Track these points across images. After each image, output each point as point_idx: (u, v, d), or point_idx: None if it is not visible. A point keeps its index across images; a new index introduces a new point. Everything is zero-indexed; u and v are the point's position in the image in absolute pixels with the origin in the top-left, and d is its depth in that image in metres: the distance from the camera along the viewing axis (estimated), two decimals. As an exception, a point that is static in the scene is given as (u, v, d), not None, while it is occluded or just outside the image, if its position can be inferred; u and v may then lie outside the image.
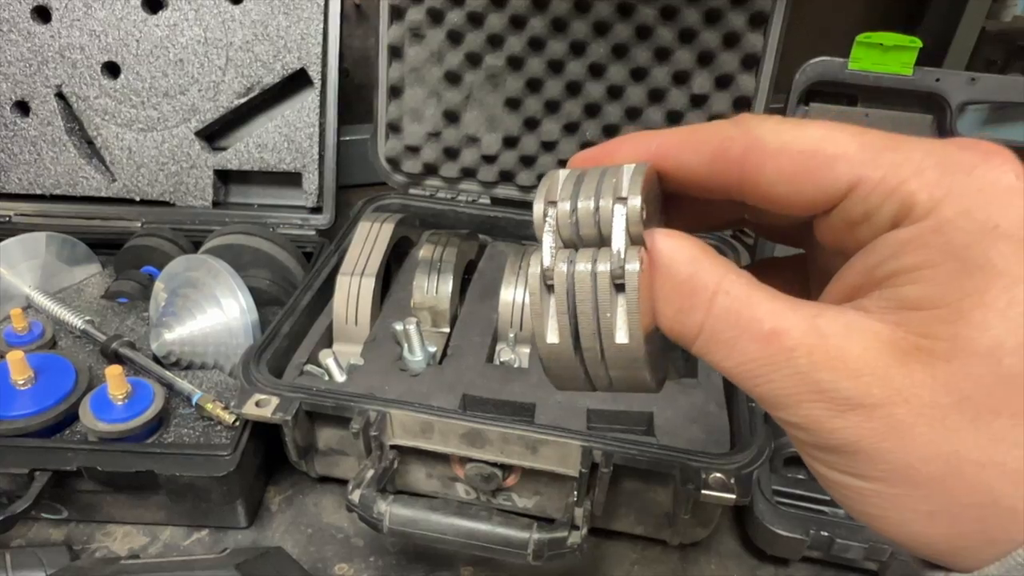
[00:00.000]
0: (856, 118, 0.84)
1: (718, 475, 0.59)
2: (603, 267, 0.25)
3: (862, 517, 0.24)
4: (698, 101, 0.87)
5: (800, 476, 0.73)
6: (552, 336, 0.27)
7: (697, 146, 0.26)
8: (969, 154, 0.22)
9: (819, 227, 0.26)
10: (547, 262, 0.26)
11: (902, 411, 0.22)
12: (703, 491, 0.58)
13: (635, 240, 0.25)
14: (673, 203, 0.30)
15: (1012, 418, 0.21)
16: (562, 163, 0.92)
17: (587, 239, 0.26)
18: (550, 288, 0.26)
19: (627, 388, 0.28)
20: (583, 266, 0.25)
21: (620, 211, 0.25)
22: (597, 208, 0.25)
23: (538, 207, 0.27)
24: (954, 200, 0.22)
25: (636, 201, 0.25)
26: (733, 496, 0.58)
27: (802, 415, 0.23)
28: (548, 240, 0.26)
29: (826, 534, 0.64)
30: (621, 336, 0.25)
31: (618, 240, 0.25)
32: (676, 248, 0.25)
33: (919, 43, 0.78)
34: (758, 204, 0.26)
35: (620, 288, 0.25)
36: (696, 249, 0.25)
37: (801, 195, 0.24)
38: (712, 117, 0.87)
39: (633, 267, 0.24)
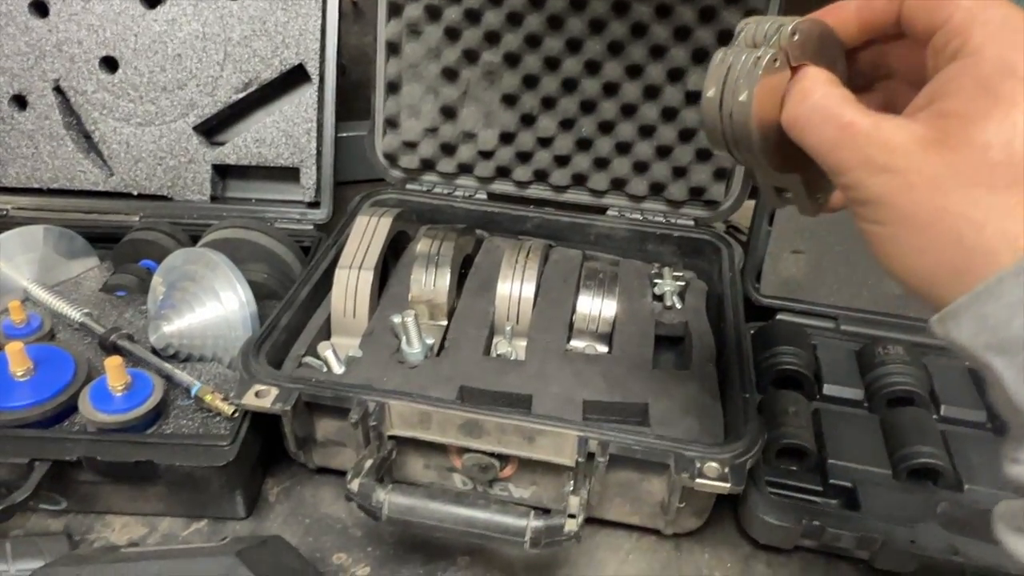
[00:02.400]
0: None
1: (713, 464, 0.60)
2: (753, 53, 0.38)
3: (880, 258, 0.36)
4: (693, 98, 0.87)
5: (793, 467, 0.74)
6: (709, 91, 0.40)
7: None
8: (1021, 16, 0.33)
9: (927, 58, 0.36)
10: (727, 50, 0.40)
11: (914, 177, 0.33)
12: (698, 480, 0.59)
13: (784, 51, 0.38)
14: (850, 60, 0.42)
15: (987, 189, 0.31)
16: (558, 159, 0.93)
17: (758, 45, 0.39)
18: (722, 64, 0.39)
19: (754, 164, 0.41)
20: (742, 51, 0.39)
21: (777, 31, 0.38)
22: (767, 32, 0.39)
23: (737, 28, 0.41)
24: (994, 46, 0.32)
25: (788, 27, 0.38)
26: (728, 485, 0.58)
27: (854, 177, 0.35)
28: (734, 43, 0.40)
29: (818, 523, 0.65)
30: (742, 95, 0.38)
31: (769, 44, 0.38)
32: (811, 72, 0.38)
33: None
34: (904, 29, 0.37)
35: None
36: (823, 76, 0.37)
37: (926, 23, 0.35)
38: (707, 114, 0.88)
39: (766, 54, 0.37)
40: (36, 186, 0.99)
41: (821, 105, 0.36)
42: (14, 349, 0.69)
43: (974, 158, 0.31)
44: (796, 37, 0.38)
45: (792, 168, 0.41)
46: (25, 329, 0.78)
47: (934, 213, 0.32)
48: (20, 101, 0.97)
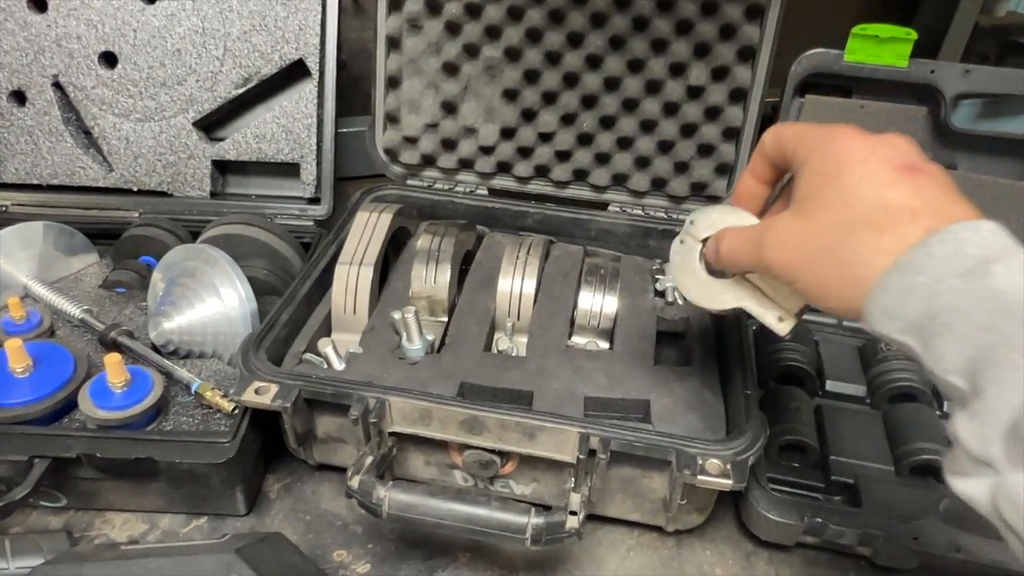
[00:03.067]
0: (851, 110, 0.84)
1: (715, 461, 0.59)
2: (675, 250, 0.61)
3: (815, 304, 0.49)
4: (695, 93, 0.87)
5: (795, 464, 0.74)
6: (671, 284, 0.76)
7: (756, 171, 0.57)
8: (833, 132, 0.49)
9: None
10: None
11: (793, 241, 0.48)
12: (699, 477, 0.59)
13: (690, 235, 0.59)
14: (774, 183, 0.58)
15: (827, 236, 0.46)
16: (559, 154, 0.92)
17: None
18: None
19: (734, 310, 0.58)
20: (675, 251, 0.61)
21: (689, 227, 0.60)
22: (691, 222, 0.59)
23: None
24: (817, 160, 0.48)
25: (688, 218, 0.60)
26: (730, 482, 0.58)
27: (762, 261, 0.50)
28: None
29: (820, 520, 0.65)
30: (678, 283, 0.61)
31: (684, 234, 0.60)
32: (718, 233, 0.56)
33: (915, 35, 0.78)
34: (778, 167, 0.55)
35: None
36: (726, 230, 0.55)
37: (784, 160, 0.53)
38: (708, 108, 0.87)
39: (678, 249, 0.60)
40: (35, 182, 0.98)
41: (730, 236, 0.54)
42: (13, 346, 0.68)
43: (812, 223, 0.47)
44: (693, 224, 0.59)
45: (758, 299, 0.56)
46: (25, 326, 0.78)
47: (811, 257, 0.47)
48: (19, 96, 0.97)
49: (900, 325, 0.42)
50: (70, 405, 0.70)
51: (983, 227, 0.41)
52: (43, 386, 0.69)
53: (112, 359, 0.67)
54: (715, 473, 0.59)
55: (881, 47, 0.80)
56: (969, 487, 0.39)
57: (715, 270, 0.58)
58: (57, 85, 0.96)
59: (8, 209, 0.97)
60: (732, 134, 0.88)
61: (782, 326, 0.55)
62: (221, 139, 0.99)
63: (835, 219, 0.46)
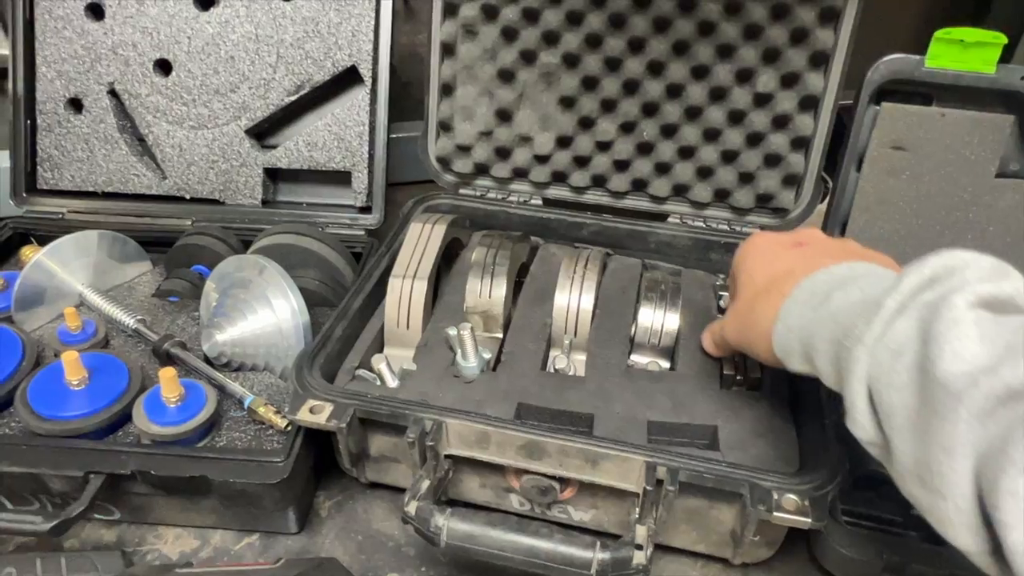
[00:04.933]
0: (931, 119, 0.79)
1: (791, 496, 0.56)
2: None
3: (755, 359, 0.62)
4: (762, 100, 0.83)
5: (870, 495, 0.70)
6: None
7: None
8: (751, 237, 0.68)
9: None
10: None
11: (732, 320, 0.66)
12: (776, 513, 0.55)
13: None
14: None
15: (745, 310, 0.62)
16: (617, 163, 0.89)
17: None
18: None
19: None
20: None
21: None
22: None
23: None
24: (738, 258, 0.68)
25: None
26: (808, 520, 0.55)
27: (725, 340, 0.68)
28: None
29: (899, 558, 0.60)
30: None
31: None
32: (705, 329, 0.75)
33: (1004, 39, 0.74)
34: None
35: None
36: (708, 328, 0.75)
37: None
38: (777, 117, 0.83)
39: None
40: (91, 189, 0.99)
41: (707, 331, 0.74)
42: (70, 358, 0.68)
43: (736, 311, 0.64)
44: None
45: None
46: (80, 335, 0.78)
47: (744, 328, 0.62)
48: (76, 104, 0.97)
49: (796, 360, 0.54)
50: (124, 418, 0.69)
51: (836, 268, 0.53)
52: (98, 399, 0.69)
53: (167, 374, 0.66)
54: (792, 510, 0.56)
55: (966, 52, 0.75)
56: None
57: None
58: (113, 93, 0.97)
59: (64, 216, 0.98)
60: (801, 143, 0.84)
61: None
62: (273, 147, 0.98)
63: (748, 296, 0.62)
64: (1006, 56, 0.76)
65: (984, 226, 0.81)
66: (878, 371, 0.44)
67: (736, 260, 0.67)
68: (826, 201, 0.88)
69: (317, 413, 0.63)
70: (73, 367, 0.68)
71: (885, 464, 0.46)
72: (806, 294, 0.53)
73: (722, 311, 0.81)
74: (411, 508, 0.58)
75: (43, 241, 0.85)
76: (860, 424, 0.46)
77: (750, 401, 0.69)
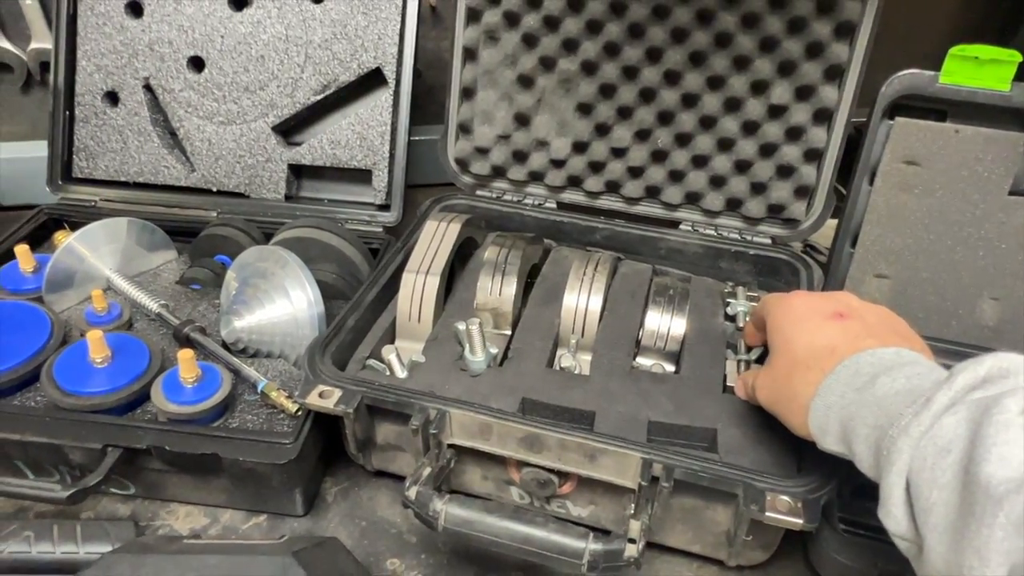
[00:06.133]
0: (945, 135, 0.80)
1: (784, 498, 0.57)
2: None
3: (791, 429, 0.58)
4: (776, 112, 0.84)
5: (868, 504, 0.70)
6: None
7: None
8: (786, 296, 0.65)
9: None
10: None
11: (765, 385, 0.62)
12: (767, 513, 0.56)
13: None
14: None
15: (781, 379, 0.59)
16: (631, 170, 0.91)
17: None
18: None
19: None
20: None
21: None
22: None
23: None
24: (772, 320, 0.64)
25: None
26: (800, 521, 0.55)
27: (755, 400, 0.64)
28: None
29: (895, 568, 0.61)
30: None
31: None
32: (739, 379, 0.72)
33: (1019, 57, 0.74)
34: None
35: None
36: (740, 378, 0.71)
37: (763, 322, 0.67)
38: (790, 128, 0.84)
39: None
40: (123, 179, 1.03)
41: (739, 382, 0.71)
42: (95, 337, 0.71)
43: (774, 373, 0.61)
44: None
45: None
46: (106, 317, 0.81)
47: (779, 398, 0.59)
48: (112, 97, 1.01)
49: (831, 439, 0.52)
50: (143, 397, 0.72)
51: (883, 352, 0.52)
52: (119, 377, 0.71)
53: (185, 355, 0.69)
54: (784, 510, 0.56)
55: (981, 69, 0.76)
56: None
57: None
58: (148, 87, 1.00)
59: (96, 204, 1.02)
60: (814, 155, 0.85)
61: None
62: (298, 144, 1.01)
63: (785, 364, 0.59)
64: (1022, 74, 0.76)
65: (996, 243, 0.81)
66: (920, 465, 0.43)
67: (770, 318, 0.64)
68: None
69: (326, 398, 0.65)
70: (97, 346, 0.71)
71: (912, 562, 0.45)
72: (850, 374, 0.52)
73: (730, 319, 0.82)
74: (411, 493, 0.60)
75: (75, 227, 0.88)
76: (894, 517, 0.45)
77: (752, 408, 0.70)
